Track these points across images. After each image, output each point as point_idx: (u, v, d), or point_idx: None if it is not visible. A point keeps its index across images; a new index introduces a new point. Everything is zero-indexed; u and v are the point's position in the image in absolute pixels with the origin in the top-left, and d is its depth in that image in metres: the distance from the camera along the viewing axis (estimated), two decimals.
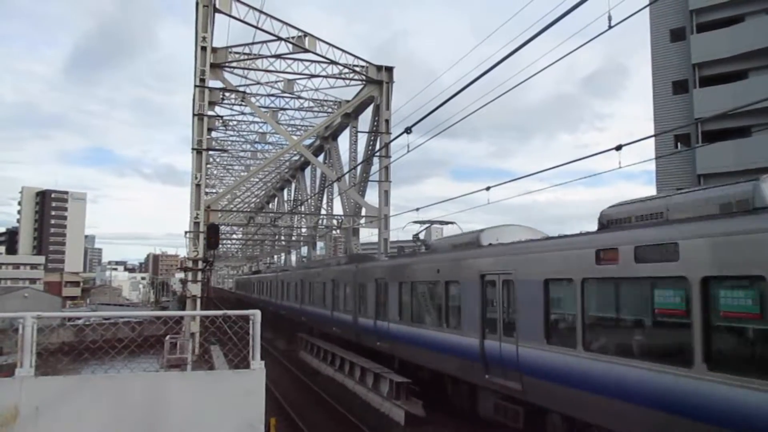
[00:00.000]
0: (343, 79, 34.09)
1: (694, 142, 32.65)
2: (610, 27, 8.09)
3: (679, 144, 34.66)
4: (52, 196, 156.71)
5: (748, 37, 31.51)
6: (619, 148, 11.55)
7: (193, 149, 29.51)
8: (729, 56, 32.04)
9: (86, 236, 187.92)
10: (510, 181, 17.87)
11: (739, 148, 30.94)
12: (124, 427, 5.30)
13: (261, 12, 29.73)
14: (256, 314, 5.81)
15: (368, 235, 37.01)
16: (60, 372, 5.95)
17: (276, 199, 68.35)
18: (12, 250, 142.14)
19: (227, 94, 34.23)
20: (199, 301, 27.76)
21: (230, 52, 31.78)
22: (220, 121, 39.78)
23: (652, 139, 32.56)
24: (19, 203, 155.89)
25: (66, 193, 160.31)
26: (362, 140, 37.20)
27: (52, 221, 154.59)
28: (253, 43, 31.75)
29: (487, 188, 16.98)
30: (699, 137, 32.46)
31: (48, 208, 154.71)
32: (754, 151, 30.48)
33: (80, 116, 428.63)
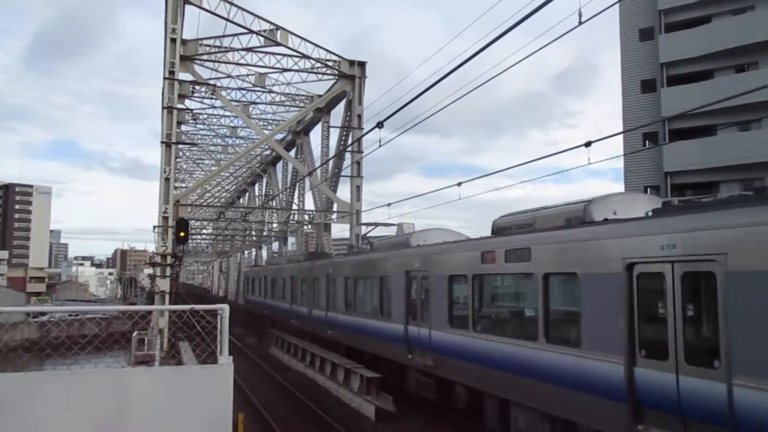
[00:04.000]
0: (316, 73, 33.85)
1: (661, 140, 33.23)
2: (580, 23, 8.15)
3: (647, 142, 35.25)
4: (17, 189, 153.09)
5: (715, 38, 32.16)
6: (588, 144, 11.68)
7: (162, 143, 29.05)
8: (696, 56, 32.67)
9: (51, 231, 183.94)
10: (481, 177, 18.27)
11: (705, 146, 31.60)
12: (89, 424, 5.18)
13: (232, 4, 29.37)
14: (224, 308, 5.72)
15: (340, 230, 36.89)
16: (21, 368, 5.78)
17: (247, 194, 67.76)
18: None
19: (197, 87, 33.76)
20: (167, 297, 27.38)
21: (201, 45, 31.31)
22: (190, 114, 39.24)
23: (621, 136, 33.08)
24: None
25: (30, 186, 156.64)
26: (334, 135, 37.08)
27: (16, 215, 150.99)
28: (224, 36, 31.32)
29: (459, 184, 17.11)
30: (666, 135, 33.05)
31: (12, 202, 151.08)
32: (718, 149, 31.17)
33: (44, 108, 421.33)
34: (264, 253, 62.20)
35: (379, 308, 16.95)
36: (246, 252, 73.25)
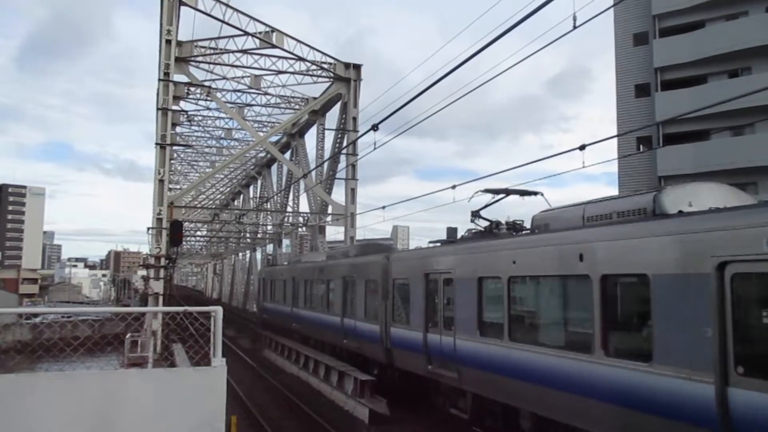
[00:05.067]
0: (311, 75, 33.85)
1: (655, 144, 33.36)
2: (574, 27, 8.18)
3: (641, 146, 35.38)
4: (9, 190, 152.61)
5: (708, 43, 32.34)
6: (582, 148, 11.71)
7: (156, 144, 28.98)
8: (690, 61, 32.83)
9: (45, 232, 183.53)
10: (475, 180, 18.13)
11: (698, 150, 31.73)
12: (81, 426, 5.16)
13: (227, 6, 29.35)
14: (217, 310, 5.71)
15: (334, 232, 36.89)
16: (12, 370, 5.75)
17: (242, 197, 67.68)
18: None
19: (192, 88, 33.72)
20: (161, 299, 27.29)
21: (196, 46, 31.27)
22: (185, 116, 39.13)
23: (615, 141, 33.20)
24: None
25: (24, 187, 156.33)
26: (329, 138, 37.04)
27: (9, 216, 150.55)
28: (219, 38, 31.29)
29: (453, 187, 17.07)
30: (660, 140, 33.18)
31: (5, 203, 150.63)
32: (712, 154, 31.31)
33: (37, 109, 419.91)
34: (258, 255, 62.08)
35: (600, 337, 8.71)
36: (241, 254, 73.03)
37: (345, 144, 33.48)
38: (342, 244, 33.68)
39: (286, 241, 51.18)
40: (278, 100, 39.27)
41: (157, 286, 27.27)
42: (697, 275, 7.32)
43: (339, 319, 19.56)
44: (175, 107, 31.41)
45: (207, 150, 55.04)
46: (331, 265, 21.81)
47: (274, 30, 31.02)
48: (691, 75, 33.16)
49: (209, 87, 34.20)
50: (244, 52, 31.87)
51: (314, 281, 23.34)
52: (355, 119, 33.17)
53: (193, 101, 38.52)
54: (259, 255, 62.02)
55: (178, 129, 41.03)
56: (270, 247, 54.67)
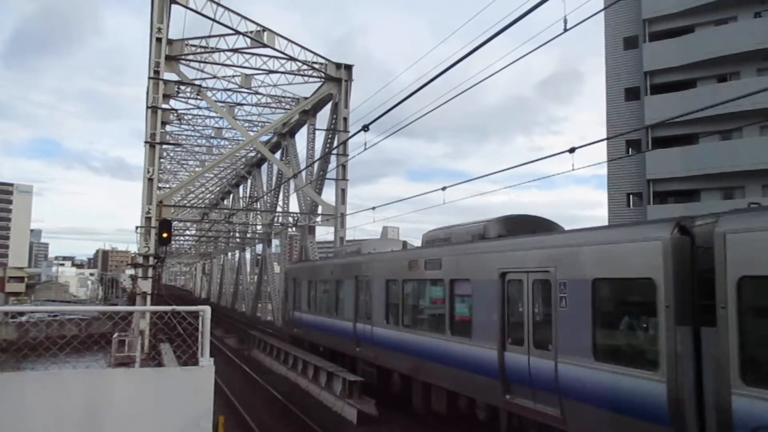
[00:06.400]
0: (302, 75, 33.78)
1: (644, 147, 33.58)
2: (565, 30, 8.21)
3: (630, 149, 35.60)
4: None
5: (698, 48, 32.61)
6: (572, 150, 11.75)
7: (145, 142, 28.81)
8: (679, 65, 33.08)
9: (32, 230, 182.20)
10: (465, 182, 17.97)
11: (686, 154, 31.98)
12: (66, 425, 5.12)
13: (218, 4, 29.23)
14: (205, 310, 5.68)
15: (324, 233, 36.81)
16: None
17: (231, 196, 67.44)
18: None
19: (182, 87, 33.54)
20: (149, 298, 27.13)
21: (186, 45, 31.11)
22: (175, 114, 38.93)
23: (605, 143, 33.38)
24: None
25: (11, 185, 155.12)
26: (320, 138, 36.96)
27: None
28: (210, 36, 31.14)
29: (443, 188, 17.12)
30: (649, 143, 33.40)
31: None
32: (699, 157, 31.55)
33: (25, 105, 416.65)
34: (248, 255, 61.86)
35: None
36: (230, 254, 72.68)
37: (335, 144, 33.44)
38: (332, 244, 33.59)
39: (275, 241, 51.08)
40: (269, 100, 39.14)
41: (145, 286, 27.12)
42: None
43: (492, 353, 10.72)
44: (165, 106, 31.26)
45: (197, 149, 54.79)
46: (465, 254, 12.44)
47: (265, 29, 30.93)
48: (680, 79, 33.43)
49: (199, 86, 34.03)
50: (235, 51, 31.76)
51: (407, 282, 14.79)
52: (345, 119, 33.15)
53: (183, 100, 38.29)
54: (248, 255, 61.89)
55: (168, 127, 40.86)
56: (259, 247, 54.49)
